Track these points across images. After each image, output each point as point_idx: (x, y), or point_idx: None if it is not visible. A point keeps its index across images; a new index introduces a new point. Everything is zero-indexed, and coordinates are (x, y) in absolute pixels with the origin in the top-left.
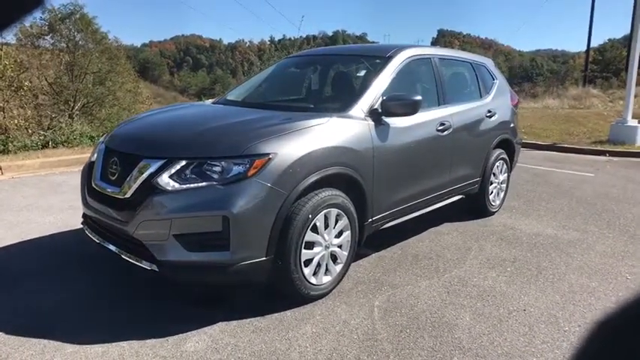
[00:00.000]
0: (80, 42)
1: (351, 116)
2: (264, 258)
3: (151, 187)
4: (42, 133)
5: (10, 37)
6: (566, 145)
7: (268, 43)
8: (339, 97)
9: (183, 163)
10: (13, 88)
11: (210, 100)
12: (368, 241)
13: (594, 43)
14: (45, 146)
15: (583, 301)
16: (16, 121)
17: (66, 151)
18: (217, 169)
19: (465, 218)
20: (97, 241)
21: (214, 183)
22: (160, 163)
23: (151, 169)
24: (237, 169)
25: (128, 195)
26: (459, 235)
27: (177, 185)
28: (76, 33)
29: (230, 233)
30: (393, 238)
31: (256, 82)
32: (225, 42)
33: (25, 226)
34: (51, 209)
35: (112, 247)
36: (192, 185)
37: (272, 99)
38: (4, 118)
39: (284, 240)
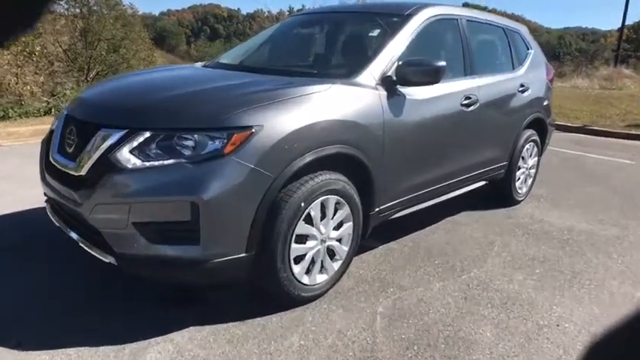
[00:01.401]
0: (94, 7)
1: (358, 84)
2: (244, 254)
3: (108, 164)
4: (45, 99)
5: None
6: (597, 128)
7: (287, 13)
8: (347, 61)
9: (148, 135)
10: (26, 53)
11: (201, 63)
12: (374, 231)
13: (628, 21)
14: (47, 113)
15: (629, 316)
16: (29, 87)
17: None
18: (189, 143)
19: (487, 207)
20: (58, 225)
21: (183, 161)
22: (120, 134)
23: (111, 141)
24: (211, 145)
25: (84, 172)
26: (480, 227)
27: (138, 162)
28: None
29: (200, 224)
30: (404, 227)
31: (255, 44)
32: (244, 12)
33: None
34: (29, 181)
35: (72, 234)
36: (156, 163)
37: (271, 63)
38: (17, 84)
39: (269, 233)
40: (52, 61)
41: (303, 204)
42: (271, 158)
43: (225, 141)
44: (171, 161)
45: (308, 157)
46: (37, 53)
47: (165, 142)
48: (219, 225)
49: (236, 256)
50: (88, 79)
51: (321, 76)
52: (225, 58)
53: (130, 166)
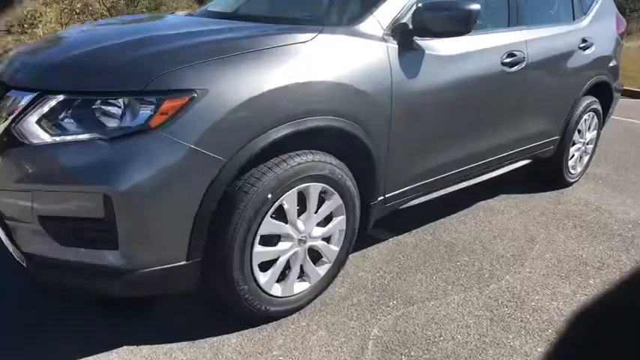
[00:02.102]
0: None
1: (358, 33)
2: (185, 262)
3: (11, 137)
4: None
5: None
6: None
7: None
8: (348, 4)
9: (61, 99)
10: (69, 10)
11: (185, 13)
12: (384, 219)
13: None
14: None
15: None
16: None
17: None
18: (114, 111)
19: (530, 189)
20: None
21: (97, 136)
22: (29, 97)
23: (18, 107)
24: (130, 116)
25: None
26: (519, 215)
27: (46, 137)
28: None
29: (116, 223)
30: (423, 213)
31: None
32: None
33: None
34: None
35: None
36: (68, 138)
37: (273, 10)
38: None
39: (221, 234)
40: (97, 18)
41: (270, 195)
42: (221, 135)
43: (152, 110)
44: (85, 136)
45: (277, 133)
46: (77, 11)
47: (83, 110)
48: (142, 225)
49: (173, 265)
50: None
51: (317, 23)
52: (217, 5)
53: (35, 140)
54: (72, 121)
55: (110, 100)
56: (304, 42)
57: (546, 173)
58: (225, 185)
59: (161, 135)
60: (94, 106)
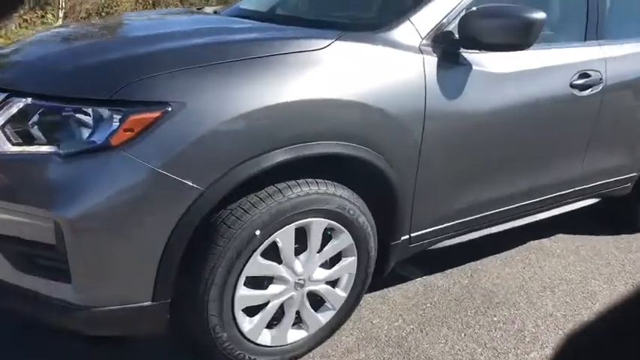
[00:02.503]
0: None
1: (387, 40)
2: (150, 303)
3: None
4: None
5: None
6: None
7: None
8: (380, 5)
9: (28, 102)
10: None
11: (213, 9)
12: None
13: None
14: None
15: None
16: None
17: None
18: (83, 122)
19: (595, 230)
20: None
21: (55, 152)
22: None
23: None
24: (94, 130)
25: None
26: (578, 262)
27: (7, 145)
28: None
29: (68, 253)
30: (460, 251)
31: None
32: None
33: None
34: None
35: None
36: (28, 149)
37: (313, 11)
38: None
39: (195, 274)
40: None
41: (259, 231)
42: (198, 158)
43: (116, 125)
44: (45, 149)
45: (270, 159)
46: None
47: (50, 118)
48: (97, 258)
49: (135, 305)
50: None
51: (336, 27)
52: (249, 3)
53: None
54: (37, 130)
55: (84, 109)
56: (315, 50)
57: (617, 213)
58: (201, 216)
59: (124, 155)
60: (63, 114)
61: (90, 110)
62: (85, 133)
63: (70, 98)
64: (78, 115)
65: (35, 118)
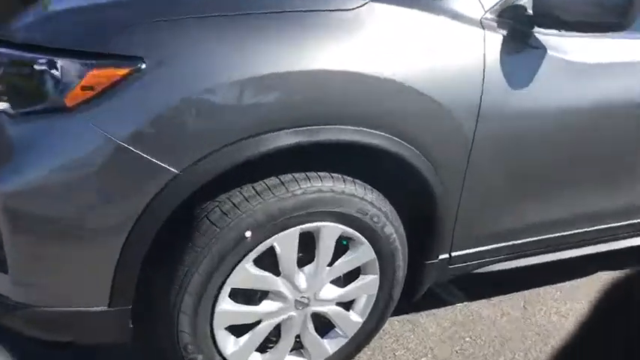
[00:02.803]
0: None
1: (439, 8)
2: (106, 309)
3: None
4: None
5: None
6: None
7: None
8: None
9: (7, 51)
10: None
11: None
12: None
13: None
14: None
15: None
16: None
17: None
18: (52, 76)
19: None
20: None
21: (5, 109)
22: None
23: None
24: (47, 87)
25: None
26: None
27: None
28: None
29: (2, 237)
30: (514, 273)
31: None
32: None
33: None
34: None
35: None
36: None
37: None
38: None
39: (164, 278)
40: None
41: (249, 233)
42: (174, 132)
43: (73, 83)
44: (1, 106)
45: (274, 141)
46: None
47: (13, 69)
48: (37, 246)
49: (86, 310)
50: None
51: None
52: None
53: None
54: (12, 84)
55: (44, 61)
56: (343, 10)
57: None
58: (171, 209)
59: (79, 120)
60: (35, 67)
61: (49, 61)
62: (43, 90)
63: (31, 46)
64: (38, 67)
65: (15, 70)
